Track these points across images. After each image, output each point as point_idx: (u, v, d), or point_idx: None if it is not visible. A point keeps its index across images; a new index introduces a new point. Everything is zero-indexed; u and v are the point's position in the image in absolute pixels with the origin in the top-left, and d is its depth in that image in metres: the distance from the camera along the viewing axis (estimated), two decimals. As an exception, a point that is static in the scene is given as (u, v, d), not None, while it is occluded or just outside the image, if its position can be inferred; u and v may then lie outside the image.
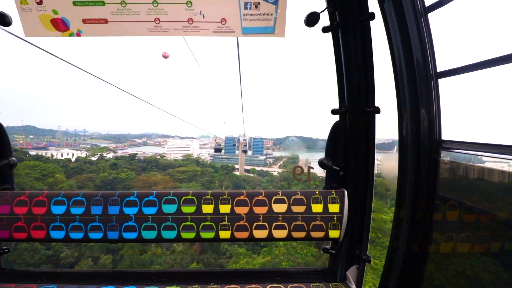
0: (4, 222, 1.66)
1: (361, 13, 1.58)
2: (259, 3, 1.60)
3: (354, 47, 1.63)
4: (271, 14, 1.62)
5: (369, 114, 1.66)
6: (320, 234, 1.73)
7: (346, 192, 1.74)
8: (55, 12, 1.60)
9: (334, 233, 1.72)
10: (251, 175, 61.86)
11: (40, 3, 1.58)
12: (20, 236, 1.67)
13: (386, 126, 1.83)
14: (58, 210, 1.66)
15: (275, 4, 1.60)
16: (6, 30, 1.72)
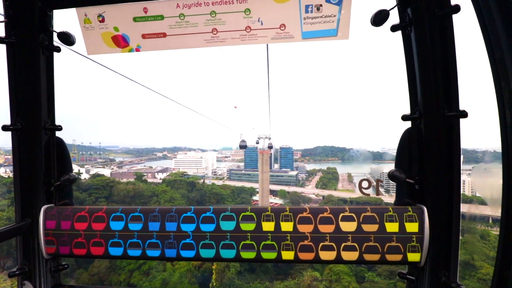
0: (64, 238, 1.77)
1: (440, 7, 1.51)
2: (321, 5, 1.61)
3: (431, 45, 1.56)
4: (334, 16, 1.62)
5: (453, 119, 1.56)
6: (397, 257, 1.62)
7: (425, 209, 1.62)
8: (116, 29, 1.75)
9: (414, 256, 1.61)
10: (280, 202, 51.25)
11: (102, 21, 1.74)
12: (80, 252, 1.77)
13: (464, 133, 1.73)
14: (116, 226, 1.75)
15: (338, 5, 1.60)
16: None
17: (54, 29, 1.85)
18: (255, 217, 1.70)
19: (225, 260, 1.70)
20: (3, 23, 1.72)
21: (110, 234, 1.75)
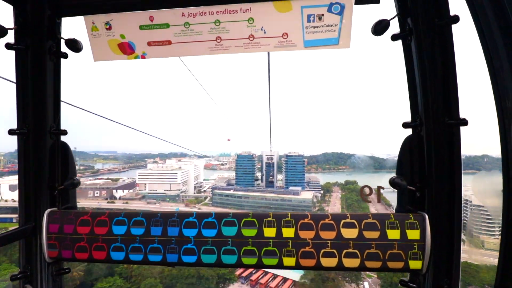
0: (67, 242, 1.88)
1: (440, 17, 1.63)
2: (322, 15, 1.75)
3: (431, 54, 1.67)
4: (336, 25, 1.76)
5: (453, 127, 1.66)
6: (399, 265, 1.70)
7: (426, 216, 1.71)
8: (122, 36, 1.90)
9: (415, 264, 1.69)
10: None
11: (109, 29, 1.89)
12: (82, 256, 1.87)
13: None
14: (119, 230, 1.86)
15: (340, 15, 1.73)
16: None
17: (62, 36, 2.01)
18: (256, 222, 1.80)
19: (226, 265, 1.80)
20: (13, 30, 1.87)
21: (113, 239, 1.86)
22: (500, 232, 1.46)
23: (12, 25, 1.88)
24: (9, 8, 1.89)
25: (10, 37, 1.86)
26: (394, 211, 1.95)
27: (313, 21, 1.78)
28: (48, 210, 1.97)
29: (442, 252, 1.70)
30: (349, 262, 1.74)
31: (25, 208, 1.97)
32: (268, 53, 3.82)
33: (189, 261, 1.82)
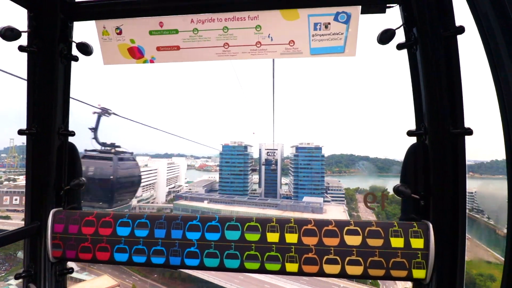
0: (71, 242, 1.97)
1: (445, 28, 1.71)
2: (329, 23, 1.84)
3: (436, 63, 1.75)
4: (342, 34, 1.85)
5: (458, 136, 1.73)
6: (402, 274, 1.76)
7: (430, 225, 1.77)
8: (132, 41, 2.01)
9: (419, 273, 1.75)
10: None
11: (119, 33, 2.01)
12: (85, 257, 1.95)
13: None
14: (123, 231, 1.94)
15: (346, 23, 1.83)
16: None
17: (73, 39, 2.12)
18: (260, 227, 1.88)
19: (229, 270, 1.86)
20: (26, 33, 1.99)
21: (116, 240, 1.94)
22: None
23: (25, 28, 2.01)
24: (24, 11, 2.02)
25: (23, 40, 1.99)
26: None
27: (320, 29, 1.88)
28: (54, 210, 2.07)
29: (446, 262, 1.75)
30: (352, 270, 1.80)
31: (31, 207, 2.07)
32: (273, 60, 4.04)
33: (192, 264, 1.90)
